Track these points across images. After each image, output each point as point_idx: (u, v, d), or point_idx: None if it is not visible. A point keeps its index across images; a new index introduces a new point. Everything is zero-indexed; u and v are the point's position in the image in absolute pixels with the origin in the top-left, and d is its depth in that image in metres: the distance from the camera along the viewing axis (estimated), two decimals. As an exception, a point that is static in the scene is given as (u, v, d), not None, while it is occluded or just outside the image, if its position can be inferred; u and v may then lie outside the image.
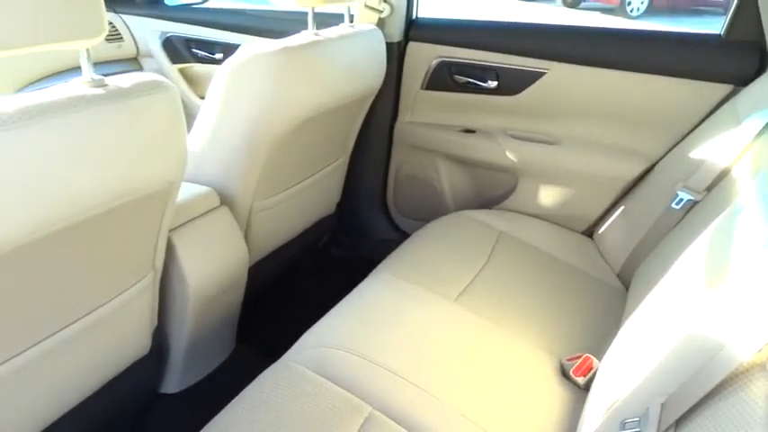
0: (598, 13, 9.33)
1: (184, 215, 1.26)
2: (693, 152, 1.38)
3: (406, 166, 1.95)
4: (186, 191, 1.30)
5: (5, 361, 0.87)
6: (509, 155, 1.73)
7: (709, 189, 1.25)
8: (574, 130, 1.68)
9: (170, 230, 1.20)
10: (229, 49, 2.09)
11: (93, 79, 0.85)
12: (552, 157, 1.68)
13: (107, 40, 2.13)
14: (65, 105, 0.78)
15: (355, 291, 1.29)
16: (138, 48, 2.26)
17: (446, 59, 1.77)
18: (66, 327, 0.95)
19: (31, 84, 1.86)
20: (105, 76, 0.88)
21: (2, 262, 0.75)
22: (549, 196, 1.72)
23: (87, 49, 0.85)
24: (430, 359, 1.08)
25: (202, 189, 1.34)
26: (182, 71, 2.22)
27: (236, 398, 0.99)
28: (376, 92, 1.68)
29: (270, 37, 1.89)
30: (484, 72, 1.74)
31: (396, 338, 1.11)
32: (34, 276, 0.83)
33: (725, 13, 1.54)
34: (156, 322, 1.22)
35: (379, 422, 0.94)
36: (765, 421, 0.51)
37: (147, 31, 2.22)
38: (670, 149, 1.54)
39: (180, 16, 2.18)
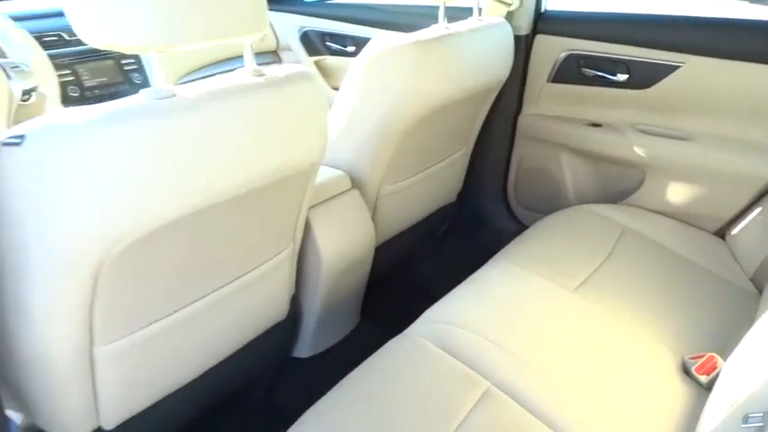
0: None
1: (320, 195, 1.37)
2: None
3: (528, 158, 1.96)
4: (322, 173, 1.42)
5: (171, 313, 1.02)
6: (637, 150, 1.69)
7: None
8: (710, 126, 1.62)
9: (308, 209, 1.32)
10: (361, 43, 2.21)
11: (254, 69, 0.97)
12: (684, 153, 1.62)
13: (253, 34, 2.32)
14: (235, 91, 0.90)
15: (475, 275, 1.34)
16: (278, 41, 2.44)
17: (575, 52, 1.76)
18: (218, 289, 1.09)
19: (188, 73, 2.08)
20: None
21: (173, 229, 0.89)
22: (678, 193, 1.67)
23: (251, 44, 0.97)
24: (548, 345, 1.11)
25: (336, 172, 1.45)
26: (316, 63, 2.37)
27: (361, 365, 1.08)
28: (501, 84, 1.71)
29: (399, 31, 1.99)
30: (614, 65, 1.71)
31: (514, 322, 1.16)
32: (197, 242, 0.97)
33: None
34: (293, 290, 1.35)
35: (496, 397, 0.99)
36: None
37: (288, 25, 2.39)
38: None
39: (316, 12, 2.32)
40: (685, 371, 1.10)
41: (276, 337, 1.35)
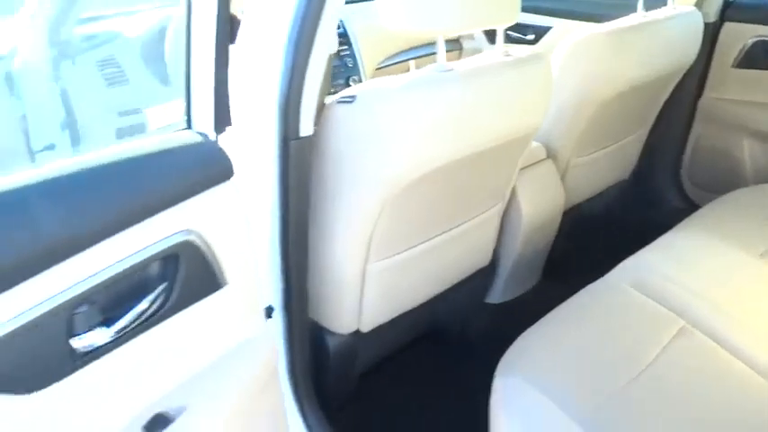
0: None
1: (523, 162, 1.59)
2: None
3: (705, 139, 2.04)
4: None
5: (417, 245, 1.29)
6: None
7: None
8: None
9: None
10: (540, 32, 2.38)
11: (503, 51, 1.21)
12: None
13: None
14: (493, 68, 1.14)
15: (660, 240, 1.49)
16: (461, 29, 2.68)
17: (764, 38, 1.83)
18: (447, 231, 1.35)
19: (387, 57, 2.37)
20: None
21: (432, 176, 1.14)
22: None
23: (505, 30, 1.21)
24: (744, 296, 1.23)
25: (534, 144, 1.66)
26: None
27: (562, 304, 1.26)
28: (686, 68, 1.82)
29: (582, 20, 2.16)
30: None
31: (707, 276, 1.30)
32: (443, 190, 1.23)
33: None
34: (495, 241, 1.58)
35: (692, 334, 1.14)
36: None
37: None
38: None
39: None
40: None
41: (478, 280, 1.60)
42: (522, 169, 1.58)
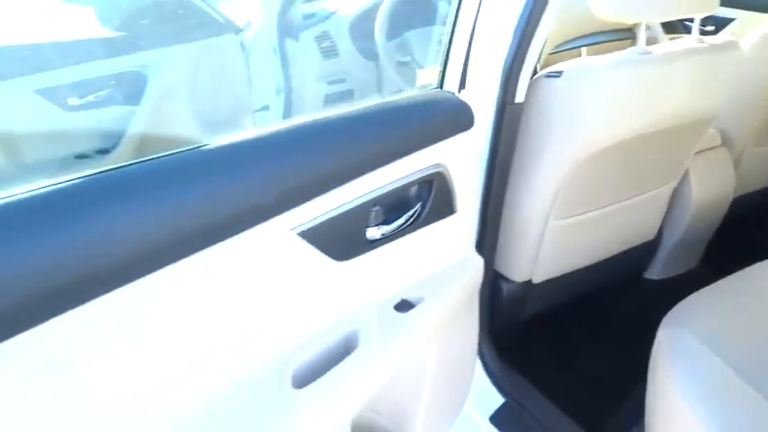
0: None
1: (698, 146, 1.68)
2: None
3: None
4: None
5: (591, 210, 1.44)
6: None
7: None
8: None
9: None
10: (721, 23, 2.39)
11: (698, 38, 1.32)
12: None
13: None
14: (691, 52, 1.27)
15: None
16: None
17: None
18: (618, 202, 1.49)
19: (560, 44, 2.50)
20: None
21: (620, 147, 1.28)
22: None
23: (682, 21, 1.32)
24: None
25: (711, 130, 1.73)
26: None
27: (733, 275, 1.34)
28: None
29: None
30: None
31: None
32: (624, 162, 1.37)
33: None
34: (662, 219, 1.69)
35: None
36: None
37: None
38: None
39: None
40: None
41: (641, 253, 1.72)
42: (696, 153, 1.67)
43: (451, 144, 0.98)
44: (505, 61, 1.12)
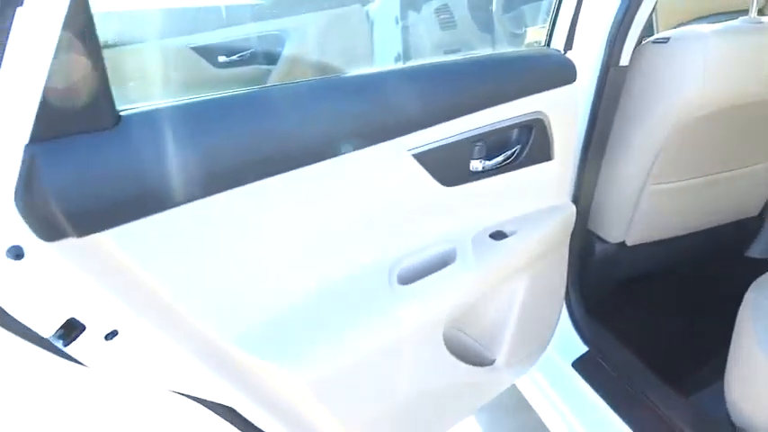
0: None
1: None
2: None
3: None
4: None
5: (681, 180, 1.49)
6: None
7: None
8: None
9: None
10: None
11: (752, 17, 1.32)
12: None
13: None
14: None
15: None
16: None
17: None
18: (718, 173, 1.51)
19: (676, 24, 2.48)
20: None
21: (716, 116, 1.32)
22: None
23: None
24: None
25: None
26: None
27: None
28: None
29: None
30: None
31: None
32: (719, 134, 1.39)
33: None
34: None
35: None
36: None
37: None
38: None
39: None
40: None
41: (743, 228, 1.72)
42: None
43: (553, 95, 1.10)
44: (612, 24, 1.22)
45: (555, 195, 1.21)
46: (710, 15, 2.57)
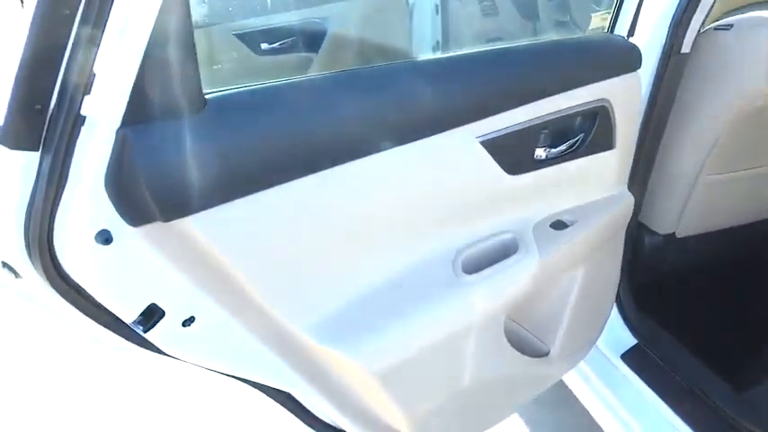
0: None
1: None
2: None
3: None
4: None
5: (736, 170, 1.46)
6: None
7: None
8: None
9: None
10: None
11: None
12: None
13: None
14: None
15: None
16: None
17: None
18: None
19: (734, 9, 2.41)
20: None
21: None
22: None
23: None
24: None
25: None
26: None
27: None
28: None
29: None
30: None
31: None
32: None
33: None
34: None
35: None
36: None
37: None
38: None
39: None
40: None
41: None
42: None
43: (618, 82, 1.07)
44: (676, 11, 1.19)
45: (614, 185, 1.19)
46: (756, 3, 2.50)
